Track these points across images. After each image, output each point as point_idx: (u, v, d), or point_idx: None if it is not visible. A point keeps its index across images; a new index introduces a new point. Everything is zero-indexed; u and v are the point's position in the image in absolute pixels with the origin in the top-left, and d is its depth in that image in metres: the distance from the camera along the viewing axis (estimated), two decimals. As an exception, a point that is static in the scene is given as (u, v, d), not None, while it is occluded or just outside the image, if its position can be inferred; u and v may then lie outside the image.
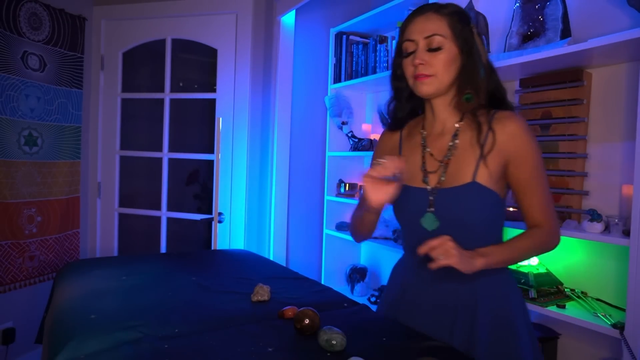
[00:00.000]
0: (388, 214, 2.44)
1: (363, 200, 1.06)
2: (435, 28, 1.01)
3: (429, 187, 1.07)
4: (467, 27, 1.03)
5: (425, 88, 1.04)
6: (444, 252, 0.93)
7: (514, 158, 1.02)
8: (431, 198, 1.06)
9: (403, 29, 1.07)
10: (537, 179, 1.03)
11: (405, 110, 1.17)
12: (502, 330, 1.04)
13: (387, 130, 1.24)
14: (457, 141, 1.07)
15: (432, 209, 1.06)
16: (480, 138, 1.03)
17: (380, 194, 0.99)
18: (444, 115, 1.10)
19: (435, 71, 1.02)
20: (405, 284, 1.16)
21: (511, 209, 1.75)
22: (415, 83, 1.05)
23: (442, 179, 1.06)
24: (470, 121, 1.05)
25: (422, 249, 0.95)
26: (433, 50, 1.01)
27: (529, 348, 1.06)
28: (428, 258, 1.06)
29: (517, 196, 1.06)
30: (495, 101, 1.07)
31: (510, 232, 1.79)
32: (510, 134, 1.01)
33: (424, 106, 1.16)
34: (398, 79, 1.13)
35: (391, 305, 1.19)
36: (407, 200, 1.10)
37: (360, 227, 1.21)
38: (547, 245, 1.07)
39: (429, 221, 1.06)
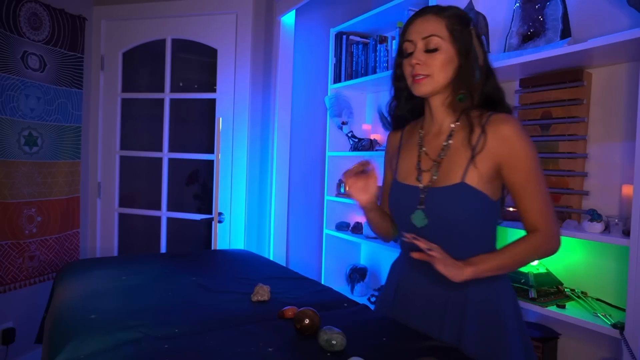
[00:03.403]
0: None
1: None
2: (433, 29, 1.03)
3: (421, 185, 1.10)
4: (466, 30, 1.04)
5: (421, 88, 1.06)
6: (436, 254, 0.97)
7: (507, 162, 1.02)
8: (422, 196, 1.09)
9: (404, 30, 1.10)
10: (532, 182, 1.02)
11: (404, 109, 1.20)
12: (491, 328, 1.04)
13: (392, 130, 1.28)
14: (451, 141, 1.09)
15: (422, 207, 1.08)
16: (471, 139, 1.04)
17: (361, 193, 1.14)
18: (441, 115, 1.12)
19: (431, 71, 1.04)
20: (400, 281, 1.20)
21: (511, 209, 1.75)
22: (412, 83, 1.08)
23: (434, 177, 1.08)
24: (464, 122, 1.07)
25: (409, 237, 0.99)
26: (430, 51, 1.03)
27: (520, 348, 1.06)
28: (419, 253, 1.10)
29: (514, 200, 1.06)
30: (493, 103, 1.08)
31: (510, 233, 1.79)
32: (502, 138, 1.02)
33: (424, 106, 1.18)
34: (398, 79, 1.16)
35: (386, 302, 1.22)
36: (400, 197, 1.15)
37: (375, 228, 1.28)
38: (546, 250, 1.05)
39: (418, 218, 1.09)
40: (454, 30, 1.03)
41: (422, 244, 0.98)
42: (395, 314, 1.17)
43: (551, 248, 1.05)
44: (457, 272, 0.97)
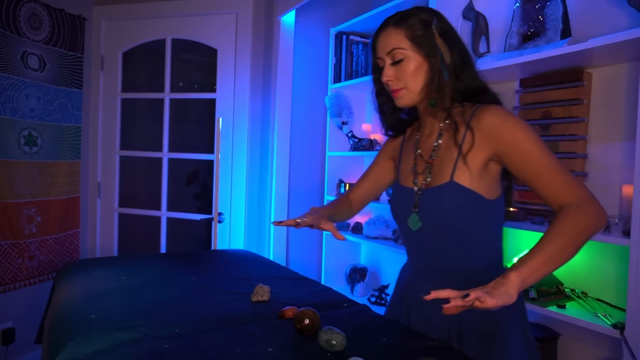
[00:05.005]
0: (388, 214, 2.43)
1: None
2: (393, 43, 1.04)
3: (415, 188, 1.10)
4: (428, 31, 1.03)
5: (400, 101, 1.09)
6: (479, 304, 0.77)
7: (502, 152, 0.97)
8: (416, 198, 1.09)
9: (372, 47, 1.11)
10: (539, 161, 0.93)
11: (393, 120, 1.22)
12: (489, 341, 1.02)
13: (392, 137, 1.28)
14: (440, 141, 1.09)
15: (416, 209, 1.08)
16: (457, 137, 1.03)
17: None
18: (429, 118, 1.13)
19: (404, 83, 1.05)
20: (404, 287, 1.19)
21: (511, 209, 1.74)
22: (392, 97, 1.11)
23: (428, 179, 1.08)
24: (451, 120, 1.06)
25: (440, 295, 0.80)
26: (396, 63, 1.05)
27: (522, 355, 1.03)
28: (422, 263, 1.12)
29: (532, 188, 0.96)
30: (476, 96, 1.05)
31: (511, 234, 1.79)
32: (486, 129, 0.99)
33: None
34: (378, 94, 1.19)
35: (395, 306, 1.22)
36: (398, 200, 1.16)
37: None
38: (591, 218, 0.87)
39: (412, 221, 1.09)
40: (415, 37, 1.03)
41: (452, 297, 0.79)
42: (402, 319, 1.17)
43: (596, 215, 0.88)
44: (506, 291, 0.78)
